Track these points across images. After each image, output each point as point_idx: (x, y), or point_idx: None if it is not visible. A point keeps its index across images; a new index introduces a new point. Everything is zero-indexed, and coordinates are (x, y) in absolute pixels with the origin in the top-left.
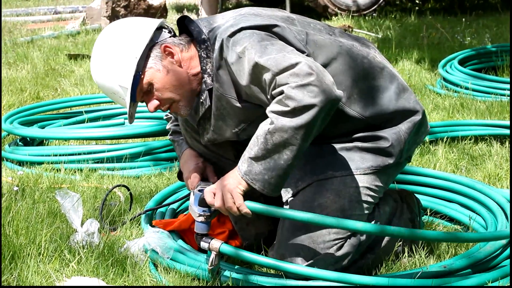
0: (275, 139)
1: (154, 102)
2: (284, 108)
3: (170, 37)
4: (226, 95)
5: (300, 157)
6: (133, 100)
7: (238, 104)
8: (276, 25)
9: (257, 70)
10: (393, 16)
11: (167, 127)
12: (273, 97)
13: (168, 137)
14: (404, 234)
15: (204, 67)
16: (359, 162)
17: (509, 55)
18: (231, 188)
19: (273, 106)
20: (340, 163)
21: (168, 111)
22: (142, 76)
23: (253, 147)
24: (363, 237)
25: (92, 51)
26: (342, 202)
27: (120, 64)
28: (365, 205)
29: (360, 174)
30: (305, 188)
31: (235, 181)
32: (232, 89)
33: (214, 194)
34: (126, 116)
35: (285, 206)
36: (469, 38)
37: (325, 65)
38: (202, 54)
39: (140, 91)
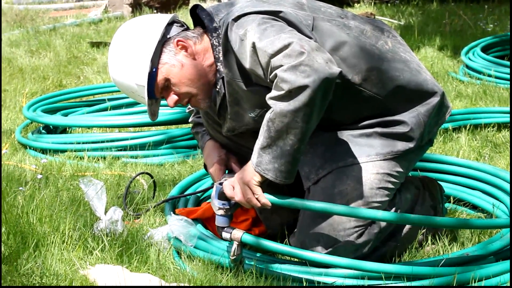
0: (277, 126)
1: (173, 97)
2: (280, 92)
3: (182, 30)
4: (235, 80)
5: (306, 140)
6: (152, 97)
7: (246, 88)
8: (281, 11)
9: (256, 53)
10: (415, 3)
11: (190, 120)
12: (271, 82)
13: (191, 130)
14: (421, 221)
15: (217, 55)
16: (379, 148)
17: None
18: (248, 180)
19: (271, 93)
20: (360, 150)
21: (189, 105)
22: (158, 73)
23: (260, 137)
24: (384, 225)
25: (108, 53)
26: (362, 189)
27: (135, 63)
28: (386, 192)
29: (380, 160)
30: (326, 175)
31: (250, 173)
32: (239, 73)
33: (234, 188)
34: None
35: (306, 194)
36: (491, 25)
37: (335, 49)
38: (214, 42)
39: (158, 87)
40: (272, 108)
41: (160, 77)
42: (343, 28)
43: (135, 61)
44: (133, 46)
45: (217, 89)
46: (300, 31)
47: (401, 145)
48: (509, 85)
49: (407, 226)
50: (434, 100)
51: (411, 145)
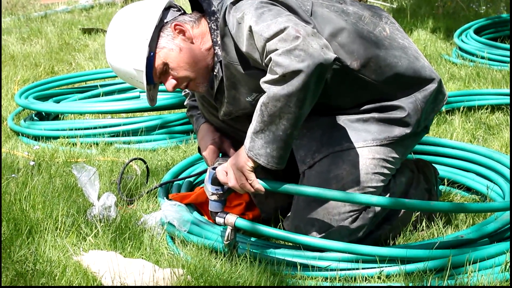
0: (270, 110)
1: (171, 82)
2: (274, 76)
3: (179, 15)
4: (233, 63)
5: (299, 126)
6: (150, 82)
7: (244, 71)
8: None
9: (252, 36)
10: None
11: (185, 103)
12: (266, 66)
13: (186, 113)
14: (416, 206)
15: (215, 39)
16: (376, 133)
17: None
18: (241, 166)
19: (266, 77)
20: (357, 135)
21: (187, 89)
22: (156, 57)
23: (253, 121)
24: (379, 209)
25: (105, 39)
26: (358, 174)
27: (132, 48)
28: (381, 177)
29: (377, 146)
30: (321, 159)
31: (243, 158)
32: (237, 57)
33: (227, 173)
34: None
35: (301, 178)
36: (484, 7)
37: (333, 36)
38: (213, 26)
39: (156, 72)
40: (265, 92)
41: (158, 62)
42: (341, 14)
43: (133, 46)
44: (130, 32)
45: (214, 73)
46: (298, 16)
47: (398, 131)
48: (502, 67)
49: (402, 210)
50: (432, 86)
51: (407, 130)
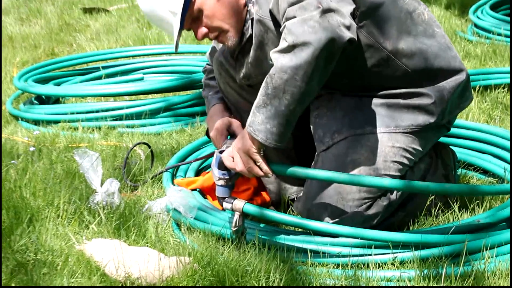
0: (275, 82)
1: (203, 30)
2: (283, 45)
3: None
4: (265, 18)
5: (304, 104)
6: (181, 27)
7: (274, 28)
8: None
9: None
10: None
11: (202, 80)
12: (281, 33)
13: (202, 93)
14: (431, 189)
15: None
16: (399, 120)
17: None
18: (247, 149)
19: (277, 47)
20: (380, 119)
21: (215, 40)
22: (193, 1)
23: (258, 95)
24: (394, 197)
25: None
26: (376, 160)
27: None
28: (399, 166)
29: (399, 133)
30: (339, 142)
31: (248, 141)
32: (270, 14)
33: (233, 158)
34: (145, 71)
35: (315, 160)
36: None
37: (372, 9)
38: None
39: (189, 17)
40: (273, 63)
41: (194, 7)
42: None
43: None
44: None
45: (244, 30)
46: None
47: (422, 119)
48: None
49: (417, 196)
50: (460, 78)
51: (431, 119)
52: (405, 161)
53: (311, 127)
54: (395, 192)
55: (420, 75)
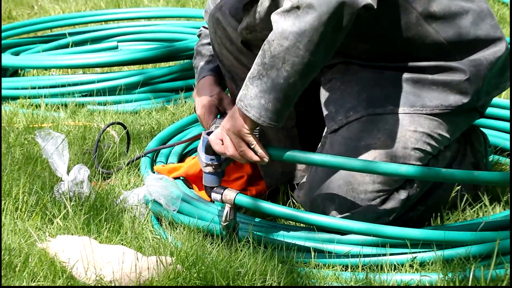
0: (274, 49)
1: None
2: (286, 6)
3: None
4: None
5: (307, 78)
6: None
7: None
8: None
9: None
10: None
11: (195, 47)
12: None
13: (193, 62)
14: (456, 177)
15: None
16: (427, 99)
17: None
18: (238, 130)
19: (279, 9)
20: (404, 97)
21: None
22: None
23: (253, 64)
24: (413, 190)
25: None
26: (394, 147)
27: None
28: (421, 155)
29: (424, 114)
30: (353, 121)
31: (240, 120)
32: None
33: (222, 141)
34: (120, 38)
35: (322, 143)
36: None
37: None
38: None
39: None
40: (273, 27)
41: None
42: None
43: None
44: None
45: None
46: None
47: (453, 99)
48: None
49: (441, 187)
50: (500, 51)
51: (464, 100)
52: (428, 148)
53: (322, 101)
54: (415, 184)
55: (454, 45)
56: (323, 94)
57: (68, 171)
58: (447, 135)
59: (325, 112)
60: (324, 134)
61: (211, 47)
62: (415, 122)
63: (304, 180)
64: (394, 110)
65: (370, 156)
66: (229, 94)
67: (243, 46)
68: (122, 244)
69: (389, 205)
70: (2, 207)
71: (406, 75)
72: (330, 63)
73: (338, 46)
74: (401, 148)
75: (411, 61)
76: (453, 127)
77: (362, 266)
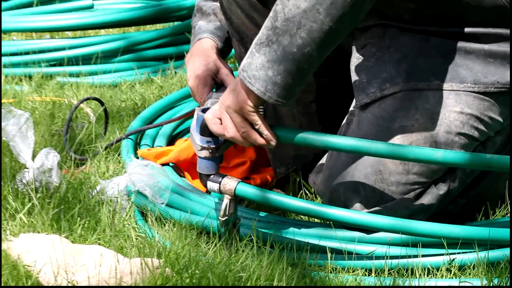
0: (288, 11)
1: None
2: None
3: None
4: None
5: (326, 50)
6: None
7: None
8: None
9: None
10: None
11: (196, 3)
12: None
13: (192, 21)
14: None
15: None
16: (480, 74)
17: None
18: (241, 106)
19: None
20: (453, 71)
21: None
22: None
23: (261, 28)
24: (454, 184)
25: None
26: (435, 131)
27: None
28: (466, 141)
29: (473, 93)
30: (387, 96)
31: (241, 92)
32: None
33: (221, 119)
34: None
35: (347, 121)
36: None
37: None
38: None
39: None
40: None
41: None
42: None
43: None
44: None
45: None
46: None
47: None
48: None
49: (486, 177)
50: None
51: None
52: (476, 134)
53: (351, 69)
54: (457, 177)
55: None
56: (354, 61)
57: (34, 157)
58: (500, 119)
59: (355, 83)
60: (351, 108)
61: (216, 2)
62: (462, 101)
63: (322, 161)
64: (440, 86)
65: (406, 140)
66: (233, 65)
67: (257, 1)
68: (99, 244)
69: (425, 200)
70: None
71: (459, 44)
72: (363, 25)
73: (375, 3)
74: (443, 132)
75: (465, 27)
76: (507, 110)
77: (388, 270)
